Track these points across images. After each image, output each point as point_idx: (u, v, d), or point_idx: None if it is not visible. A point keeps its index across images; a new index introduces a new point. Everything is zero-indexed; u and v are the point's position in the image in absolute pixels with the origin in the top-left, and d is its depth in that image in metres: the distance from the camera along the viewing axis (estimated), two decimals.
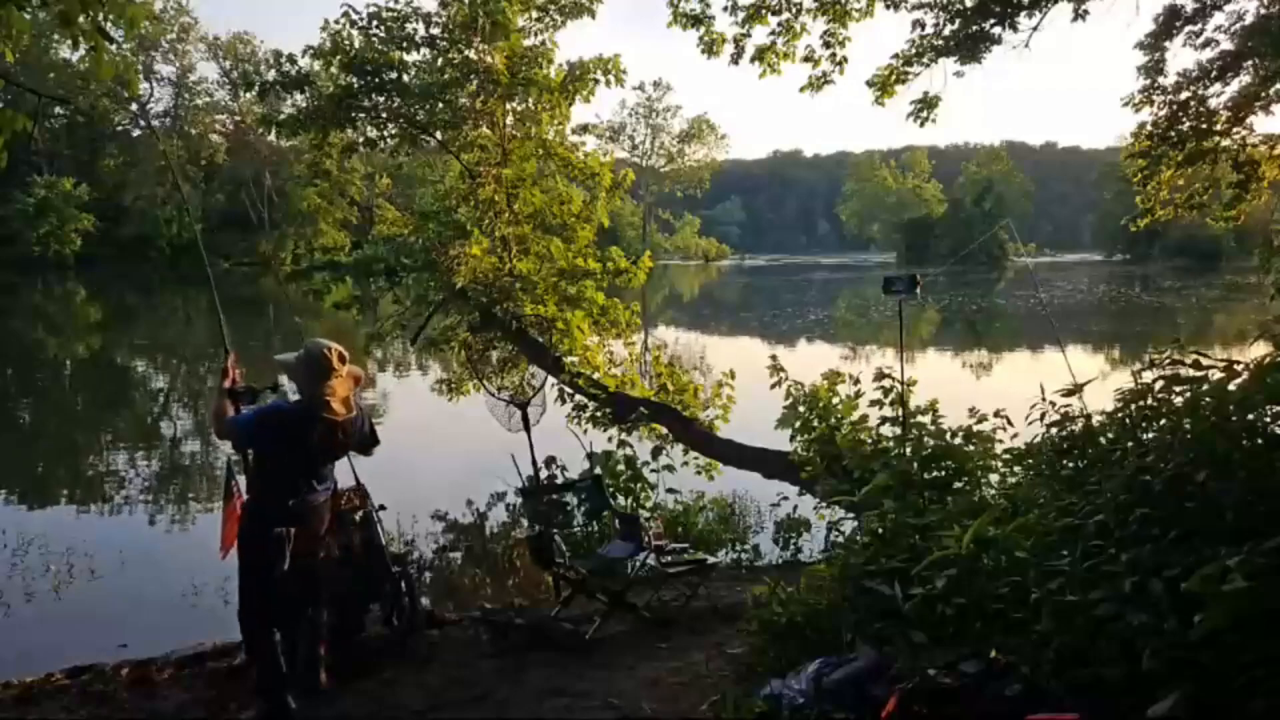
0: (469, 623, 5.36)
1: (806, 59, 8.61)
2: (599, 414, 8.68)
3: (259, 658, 4.08)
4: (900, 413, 5.49)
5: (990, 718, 2.62)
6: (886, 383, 5.71)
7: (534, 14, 9.10)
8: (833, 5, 8.32)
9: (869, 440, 5.68)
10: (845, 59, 8.59)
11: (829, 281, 56.43)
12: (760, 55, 8.55)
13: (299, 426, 4.02)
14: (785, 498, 7.34)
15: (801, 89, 8.82)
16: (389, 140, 9.50)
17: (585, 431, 8.30)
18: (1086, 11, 8.24)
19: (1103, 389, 3.77)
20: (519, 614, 5.32)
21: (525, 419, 6.80)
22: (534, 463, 6.91)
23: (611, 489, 6.72)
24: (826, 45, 8.54)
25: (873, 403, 5.90)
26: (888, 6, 8.40)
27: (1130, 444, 3.21)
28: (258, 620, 4.05)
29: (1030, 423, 3.90)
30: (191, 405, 16.40)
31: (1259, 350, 3.14)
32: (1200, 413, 2.89)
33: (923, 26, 8.52)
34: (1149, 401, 3.28)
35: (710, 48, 8.52)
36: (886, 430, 5.63)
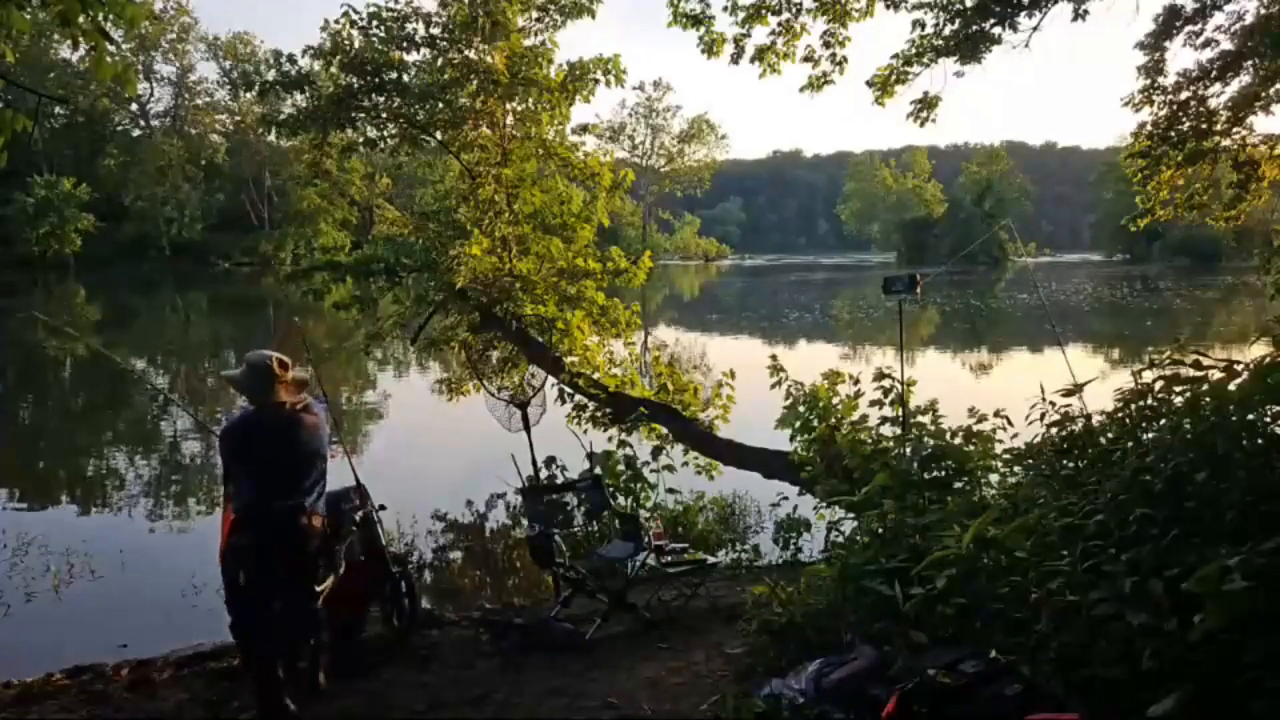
0: (469, 623, 5.36)
1: (806, 59, 8.62)
2: (599, 414, 8.69)
3: (252, 669, 4.09)
4: (900, 413, 5.50)
5: (990, 718, 2.62)
6: (886, 383, 5.73)
7: (534, 14, 9.13)
8: (833, 5, 8.32)
9: (869, 440, 5.68)
10: (845, 59, 8.60)
11: (829, 281, 56.40)
12: (760, 55, 8.55)
13: (256, 429, 4.07)
14: (785, 498, 7.33)
15: (801, 89, 8.83)
16: (389, 140, 9.51)
17: (585, 431, 8.30)
18: (1086, 11, 8.23)
19: (1103, 389, 3.77)
20: (519, 614, 5.32)
21: (525, 419, 6.81)
22: (534, 463, 6.92)
23: (611, 489, 6.72)
24: (826, 45, 8.54)
25: (873, 403, 5.91)
26: (888, 6, 8.40)
27: (1130, 444, 3.22)
28: (239, 631, 4.05)
29: (1030, 423, 3.92)
30: (191, 405, 16.38)
31: (1259, 350, 3.14)
32: (1200, 413, 2.89)
33: (923, 26, 8.52)
34: (1149, 401, 3.29)
35: (710, 48, 8.51)
36: (886, 430, 5.64)
